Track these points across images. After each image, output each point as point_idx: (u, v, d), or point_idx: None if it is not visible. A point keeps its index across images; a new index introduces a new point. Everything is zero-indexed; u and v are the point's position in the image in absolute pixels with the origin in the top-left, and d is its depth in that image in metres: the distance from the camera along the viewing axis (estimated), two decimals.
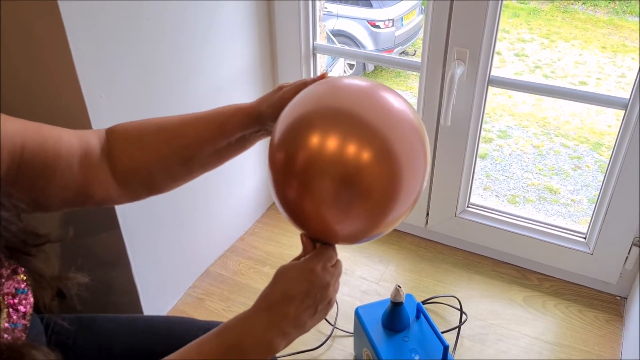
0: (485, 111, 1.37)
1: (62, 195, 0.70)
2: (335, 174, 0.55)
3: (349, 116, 0.56)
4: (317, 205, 0.58)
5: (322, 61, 2.27)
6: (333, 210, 0.58)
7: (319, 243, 0.68)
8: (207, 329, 0.85)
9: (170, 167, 0.76)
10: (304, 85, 0.69)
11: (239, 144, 0.77)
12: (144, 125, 0.76)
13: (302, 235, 0.69)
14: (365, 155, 0.54)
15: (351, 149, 0.54)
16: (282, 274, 0.67)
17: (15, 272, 0.56)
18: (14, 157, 0.63)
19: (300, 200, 0.59)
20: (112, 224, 1.20)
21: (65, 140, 0.69)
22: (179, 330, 0.89)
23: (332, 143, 0.54)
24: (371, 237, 0.64)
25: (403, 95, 0.63)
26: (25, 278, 0.57)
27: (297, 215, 0.63)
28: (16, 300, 0.56)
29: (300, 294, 0.65)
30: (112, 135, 0.75)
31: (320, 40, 1.64)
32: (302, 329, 0.67)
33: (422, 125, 0.61)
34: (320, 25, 1.79)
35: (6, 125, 0.63)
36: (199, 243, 1.53)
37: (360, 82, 0.61)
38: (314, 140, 0.55)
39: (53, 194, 0.69)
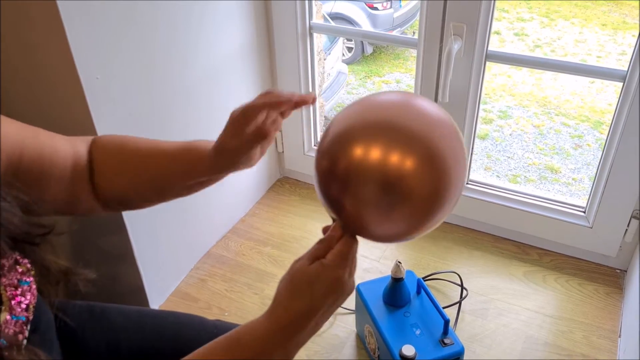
0: (485, 91, 1.37)
1: (52, 204, 0.71)
2: (377, 181, 0.57)
3: (390, 127, 0.58)
4: (357, 206, 0.60)
5: (320, 42, 2.26)
6: (374, 212, 0.59)
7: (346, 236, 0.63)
8: (216, 333, 0.85)
9: (144, 195, 0.77)
10: (250, 108, 0.65)
11: (211, 180, 0.76)
12: (123, 150, 0.75)
13: (334, 221, 0.65)
14: (409, 163, 0.57)
15: (394, 158, 0.57)
16: (306, 285, 0.61)
17: (17, 263, 0.55)
18: (12, 162, 0.62)
19: (341, 199, 0.61)
20: None
21: (62, 150, 0.69)
22: (187, 333, 0.89)
23: (375, 154, 0.57)
24: (409, 238, 0.64)
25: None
26: (27, 269, 0.56)
27: (337, 211, 0.63)
28: (18, 292, 0.55)
29: (325, 305, 0.62)
30: (95, 154, 0.75)
31: (317, 20, 1.63)
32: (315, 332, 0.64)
33: (457, 126, 0.63)
34: (316, 5, 1.78)
35: (7, 129, 0.63)
36: (201, 225, 1.54)
37: (393, 95, 0.64)
38: (358, 151, 0.58)
39: (46, 201, 0.69)
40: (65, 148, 0.70)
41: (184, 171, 0.74)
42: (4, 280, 0.54)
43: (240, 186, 1.68)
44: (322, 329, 1.33)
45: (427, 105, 0.62)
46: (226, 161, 0.71)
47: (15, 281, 0.55)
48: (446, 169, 0.58)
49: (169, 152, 0.74)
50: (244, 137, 0.67)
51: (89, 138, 0.76)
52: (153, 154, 0.75)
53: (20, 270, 0.55)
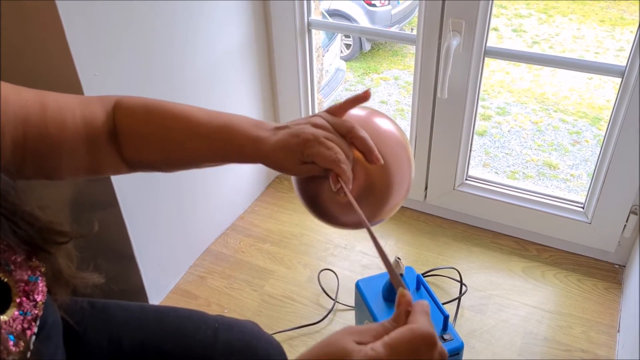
0: (483, 88, 1.37)
1: (72, 174, 0.72)
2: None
3: None
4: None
5: (318, 39, 2.26)
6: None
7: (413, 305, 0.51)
8: (217, 328, 0.86)
9: (172, 167, 0.76)
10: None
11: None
12: (150, 121, 0.72)
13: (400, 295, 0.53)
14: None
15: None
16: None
17: (29, 259, 0.55)
18: (17, 144, 0.62)
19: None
20: (113, 205, 1.20)
21: (70, 125, 0.67)
22: (188, 327, 0.89)
23: None
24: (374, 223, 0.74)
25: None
26: (37, 265, 0.56)
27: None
28: (28, 288, 0.54)
29: None
30: (119, 119, 0.72)
31: (315, 17, 1.63)
32: None
33: (406, 137, 0.75)
34: (314, 2, 1.77)
35: (7, 111, 0.62)
36: (200, 222, 1.54)
37: (360, 112, 0.74)
38: None
39: (64, 174, 0.70)
40: (76, 122, 0.68)
41: (216, 157, 0.71)
42: (15, 275, 0.53)
43: (239, 183, 1.68)
44: (321, 326, 1.35)
45: (381, 121, 0.72)
46: (267, 166, 0.70)
47: (26, 277, 0.54)
48: (390, 170, 0.70)
49: (203, 133, 0.70)
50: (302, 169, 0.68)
51: (110, 100, 0.73)
52: (182, 130, 0.71)
53: (31, 265, 0.55)
